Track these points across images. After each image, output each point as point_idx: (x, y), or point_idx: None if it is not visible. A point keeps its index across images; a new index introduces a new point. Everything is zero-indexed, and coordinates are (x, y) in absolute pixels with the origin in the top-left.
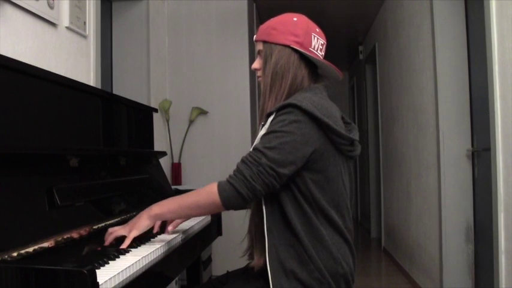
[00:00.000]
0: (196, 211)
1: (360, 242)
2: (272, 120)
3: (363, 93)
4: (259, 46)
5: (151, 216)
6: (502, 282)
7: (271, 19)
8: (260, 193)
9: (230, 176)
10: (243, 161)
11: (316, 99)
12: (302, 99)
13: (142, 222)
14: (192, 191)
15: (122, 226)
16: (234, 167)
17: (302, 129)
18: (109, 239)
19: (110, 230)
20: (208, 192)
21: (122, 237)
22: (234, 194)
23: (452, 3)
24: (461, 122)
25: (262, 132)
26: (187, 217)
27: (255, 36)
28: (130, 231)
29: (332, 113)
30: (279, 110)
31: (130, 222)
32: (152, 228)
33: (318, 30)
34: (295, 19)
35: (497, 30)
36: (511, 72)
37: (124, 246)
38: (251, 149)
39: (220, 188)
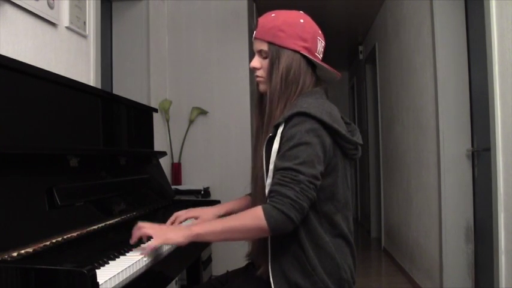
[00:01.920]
0: (240, 235)
1: (360, 242)
2: (283, 131)
3: (363, 93)
4: (263, 46)
5: (189, 235)
6: (502, 282)
7: (274, 16)
8: (306, 210)
9: (273, 201)
10: (279, 184)
11: (319, 105)
12: (308, 106)
13: (175, 237)
14: (235, 215)
15: (153, 226)
16: (234, 167)
17: (319, 137)
18: (136, 234)
19: (140, 224)
20: (254, 218)
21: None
22: (283, 219)
23: (452, 3)
24: (461, 122)
25: (275, 146)
26: (227, 240)
27: (255, 32)
28: (158, 238)
29: (337, 117)
30: (288, 120)
31: (166, 228)
32: None
33: (320, 32)
34: (302, 21)
35: (497, 30)
36: (511, 72)
37: (145, 253)
38: (275, 168)
39: (267, 213)
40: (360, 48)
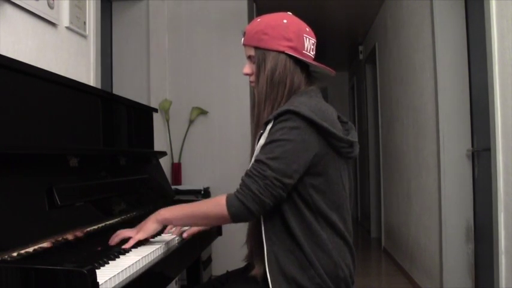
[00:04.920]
0: (204, 221)
1: (360, 242)
2: (271, 129)
3: (363, 93)
4: (250, 51)
5: (158, 220)
6: (502, 282)
7: (259, 21)
8: (269, 206)
9: (238, 191)
10: (248, 174)
11: (312, 103)
12: (298, 104)
13: (149, 225)
14: (202, 201)
15: (129, 229)
16: (234, 167)
17: (302, 136)
18: (115, 239)
19: (118, 232)
20: (217, 205)
21: (127, 238)
22: (242, 210)
23: (452, 3)
24: (461, 122)
25: (262, 141)
26: (194, 225)
27: (242, 39)
28: (137, 233)
29: (329, 116)
30: (277, 118)
31: (138, 225)
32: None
33: (308, 29)
34: (285, 21)
35: (497, 30)
36: (511, 72)
37: (127, 246)
38: (253, 161)
39: (229, 202)
40: (360, 48)
